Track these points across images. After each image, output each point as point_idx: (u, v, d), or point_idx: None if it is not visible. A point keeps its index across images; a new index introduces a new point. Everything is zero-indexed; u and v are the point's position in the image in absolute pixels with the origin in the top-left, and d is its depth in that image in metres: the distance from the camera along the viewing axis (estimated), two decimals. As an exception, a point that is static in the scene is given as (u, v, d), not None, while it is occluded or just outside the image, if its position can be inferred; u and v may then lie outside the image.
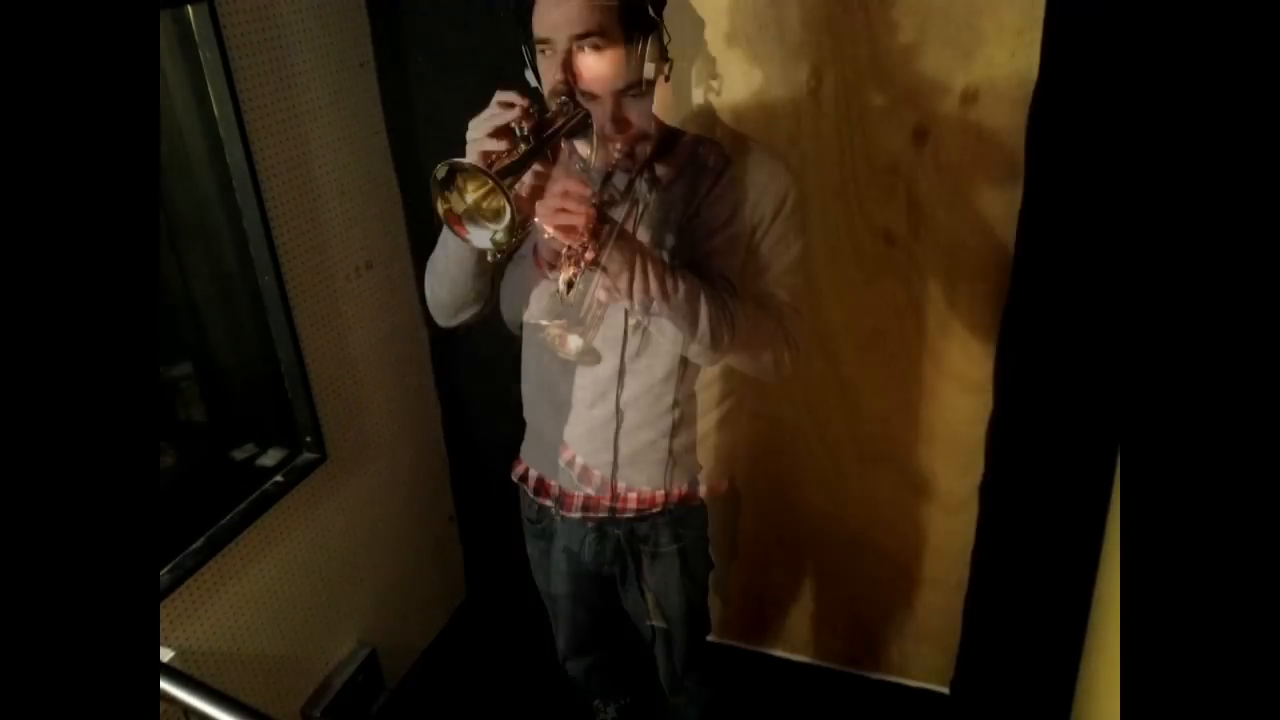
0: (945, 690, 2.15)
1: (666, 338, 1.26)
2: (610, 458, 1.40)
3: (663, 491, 1.44)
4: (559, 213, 1.05)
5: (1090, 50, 1.44)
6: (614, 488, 1.42)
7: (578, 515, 1.46)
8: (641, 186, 1.28)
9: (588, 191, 1.07)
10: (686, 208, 1.28)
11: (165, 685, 1.04)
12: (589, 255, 1.09)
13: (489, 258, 1.06)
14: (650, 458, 1.42)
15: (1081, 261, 1.58)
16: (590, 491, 1.44)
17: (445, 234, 1.26)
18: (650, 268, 1.13)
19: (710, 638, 1.72)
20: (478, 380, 2.27)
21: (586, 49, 1.14)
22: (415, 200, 2.06)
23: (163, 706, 1.03)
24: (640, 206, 1.28)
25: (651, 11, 1.18)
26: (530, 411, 1.51)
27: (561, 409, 1.41)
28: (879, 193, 1.71)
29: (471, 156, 1.04)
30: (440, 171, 1.00)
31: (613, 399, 1.36)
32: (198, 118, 1.60)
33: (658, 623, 1.57)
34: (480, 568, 2.53)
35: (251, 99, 1.60)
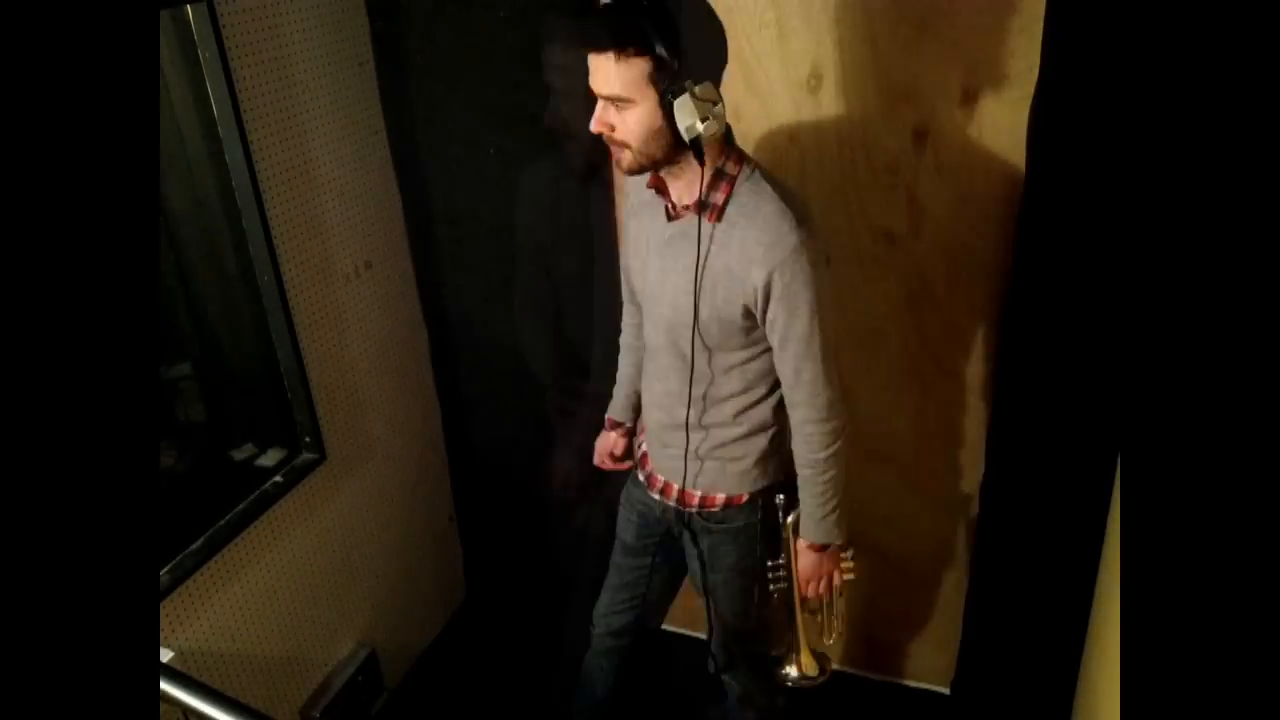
0: (945, 690, 2.15)
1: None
2: (681, 457, 1.52)
3: (724, 495, 1.55)
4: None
5: (1090, 50, 1.44)
6: (682, 483, 1.56)
7: (656, 495, 1.62)
8: (712, 228, 1.34)
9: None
10: (745, 275, 1.33)
11: (165, 686, 1.04)
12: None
13: None
14: (718, 468, 1.53)
15: (1082, 262, 1.58)
16: (668, 479, 1.59)
17: None
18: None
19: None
20: (478, 380, 2.27)
21: (618, 107, 1.25)
22: (414, 200, 2.06)
23: (163, 707, 1.03)
24: (710, 245, 1.34)
25: (679, 70, 1.22)
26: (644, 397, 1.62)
27: (650, 410, 1.58)
28: (879, 192, 1.71)
29: None
30: None
31: (684, 412, 1.48)
32: (197, 118, 1.60)
33: (703, 597, 1.66)
34: (480, 568, 2.53)
35: (251, 99, 1.60)
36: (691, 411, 1.47)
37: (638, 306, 1.58)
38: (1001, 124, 1.57)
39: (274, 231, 1.68)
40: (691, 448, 1.50)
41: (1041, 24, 1.47)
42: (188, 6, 1.48)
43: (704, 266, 1.34)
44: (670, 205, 1.38)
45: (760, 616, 1.68)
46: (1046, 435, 1.75)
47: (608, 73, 1.21)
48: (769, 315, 1.34)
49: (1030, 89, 1.52)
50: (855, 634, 2.20)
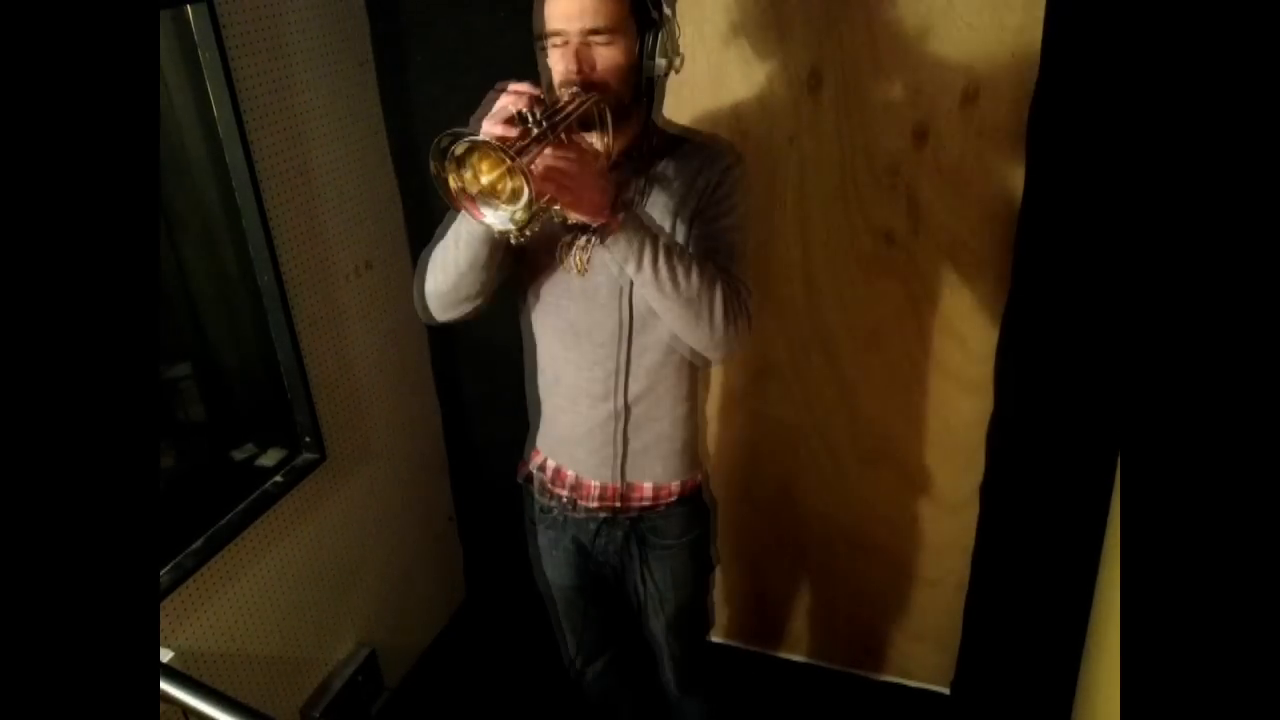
0: (946, 690, 2.15)
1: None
2: (620, 450, 1.42)
3: (677, 483, 1.46)
4: (502, 108, 1.07)
5: (1090, 50, 1.44)
6: (623, 478, 1.44)
7: (593, 504, 1.47)
8: (638, 183, 1.28)
9: (537, 91, 1.08)
10: (683, 206, 1.28)
11: (165, 685, 1.04)
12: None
13: (512, 240, 1.06)
14: (663, 450, 1.43)
15: (1082, 261, 1.58)
16: (605, 481, 1.45)
17: (456, 223, 1.26)
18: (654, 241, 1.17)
19: (711, 638, 1.71)
20: (478, 380, 2.27)
21: (597, 42, 1.16)
22: (415, 200, 2.06)
23: (162, 707, 1.03)
24: (639, 201, 1.28)
25: (664, 6, 1.19)
26: (545, 402, 1.51)
27: (575, 400, 1.42)
28: (879, 193, 1.71)
29: None
30: (459, 147, 0.96)
31: (621, 395, 1.37)
32: (197, 118, 1.60)
33: (658, 619, 1.57)
34: (480, 568, 2.53)
35: (251, 99, 1.60)
36: (631, 390, 1.37)
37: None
38: (1001, 124, 1.57)
39: (274, 231, 1.68)
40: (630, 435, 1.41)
41: (1041, 24, 1.47)
42: (188, 6, 1.48)
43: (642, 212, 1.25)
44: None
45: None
46: (1046, 435, 1.75)
47: (594, 1, 1.14)
48: (702, 216, 1.27)
49: (1030, 89, 1.52)
50: (855, 634, 2.21)
